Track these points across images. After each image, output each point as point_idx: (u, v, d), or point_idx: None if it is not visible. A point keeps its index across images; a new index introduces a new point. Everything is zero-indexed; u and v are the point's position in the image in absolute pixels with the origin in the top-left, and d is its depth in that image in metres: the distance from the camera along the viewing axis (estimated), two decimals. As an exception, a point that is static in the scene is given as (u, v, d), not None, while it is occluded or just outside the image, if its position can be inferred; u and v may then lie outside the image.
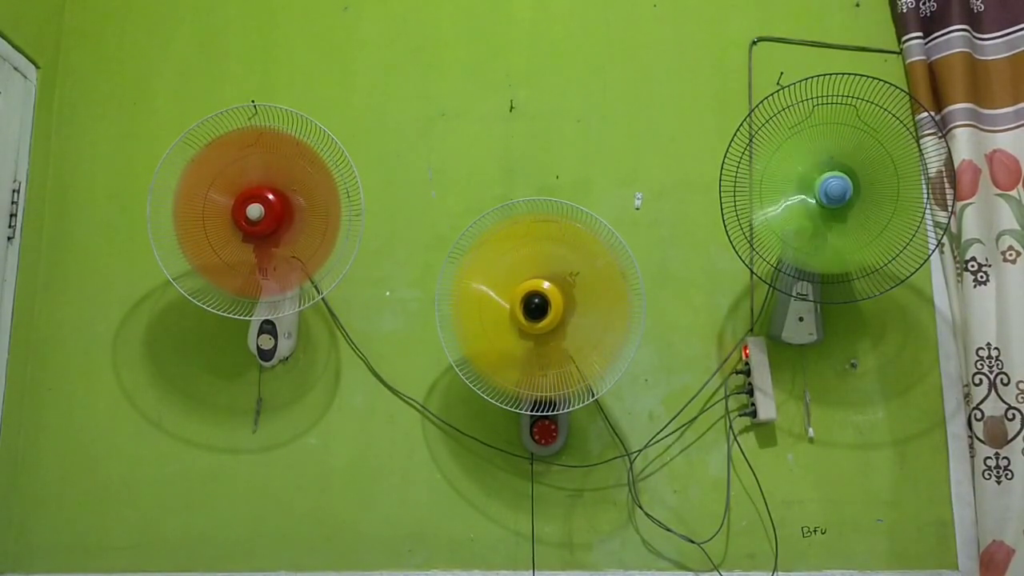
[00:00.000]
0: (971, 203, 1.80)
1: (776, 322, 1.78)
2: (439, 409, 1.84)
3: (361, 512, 1.80)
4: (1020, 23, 1.86)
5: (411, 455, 1.82)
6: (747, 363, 1.79)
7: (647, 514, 1.78)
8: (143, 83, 1.98)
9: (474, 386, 1.61)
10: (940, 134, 1.82)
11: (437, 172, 1.94)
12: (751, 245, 1.67)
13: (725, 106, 1.94)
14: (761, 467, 1.79)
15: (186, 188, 1.64)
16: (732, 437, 1.81)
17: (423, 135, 1.96)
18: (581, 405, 1.61)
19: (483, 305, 1.61)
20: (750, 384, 1.78)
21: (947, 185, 1.81)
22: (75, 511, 1.80)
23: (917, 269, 1.60)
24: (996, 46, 1.87)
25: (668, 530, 1.77)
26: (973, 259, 1.78)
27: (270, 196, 1.62)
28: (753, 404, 1.77)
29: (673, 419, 1.82)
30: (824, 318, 1.78)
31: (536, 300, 1.55)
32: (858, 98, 1.58)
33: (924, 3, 1.90)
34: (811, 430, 1.81)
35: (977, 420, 1.74)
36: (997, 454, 1.71)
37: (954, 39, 1.86)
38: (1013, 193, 1.80)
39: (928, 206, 1.62)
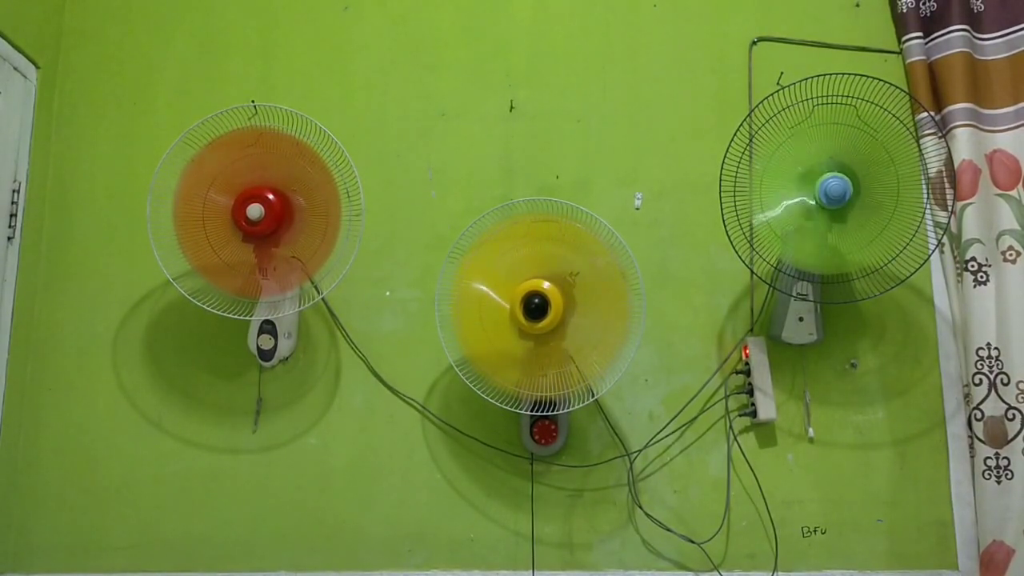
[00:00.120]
0: (971, 203, 1.80)
1: (776, 322, 1.78)
2: (439, 409, 1.84)
3: (361, 512, 1.80)
4: (1020, 23, 1.86)
5: (411, 455, 1.82)
6: (747, 363, 1.79)
7: (647, 514, 1.78)
8: (143, 83, 1.98)
9: (474, 386, 1.61)
10: (940, 134, 1.82)
11: (437, 172, 1.94)
12: (751, 245, 1.67)
13: (725, 106, 1.94)
14: (761, 467, 1.79)
15: (186, 188, 1.64)
16: (732, 437, 1.81)
17: (423, 135, 1.96)
18: (581, 405, 1.61)
19: (483, 305, 1.61)
20: (750, 384, 1.78)
21: (947, 185, 1.81)
22: (75, 511, 1.80)
23: (917, 269, 1.60)
24: (996, 46, 1.87)
25: (668, 530, 1.77)
26: (973, 259, 1.78)
27: (270, 196, 1.62)
28: (753, 404, 1.77)
29: (673, 419, 1.82)
30: (824, 318, 1.78)
31: (536, 300, 1.55)
32: (858, 98, 1.58)
33: (924, 3, 1.90)
34: (811, 430, 1.81)
35: (977, 420, 1.74)
36: (997, 454, 1.71)
37: (954, 39, 1.86)
38: (1013, 193, 1.80)
39: (928, 206, 1.62)
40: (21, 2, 1.86)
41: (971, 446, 1.76)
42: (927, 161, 1.78)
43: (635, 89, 1.97)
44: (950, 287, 1.84)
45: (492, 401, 1.60)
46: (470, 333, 1.61)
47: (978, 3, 1.88)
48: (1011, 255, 1.77)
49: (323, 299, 1.85)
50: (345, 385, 1.85)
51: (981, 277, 1.77)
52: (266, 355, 1.75)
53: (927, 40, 1.89)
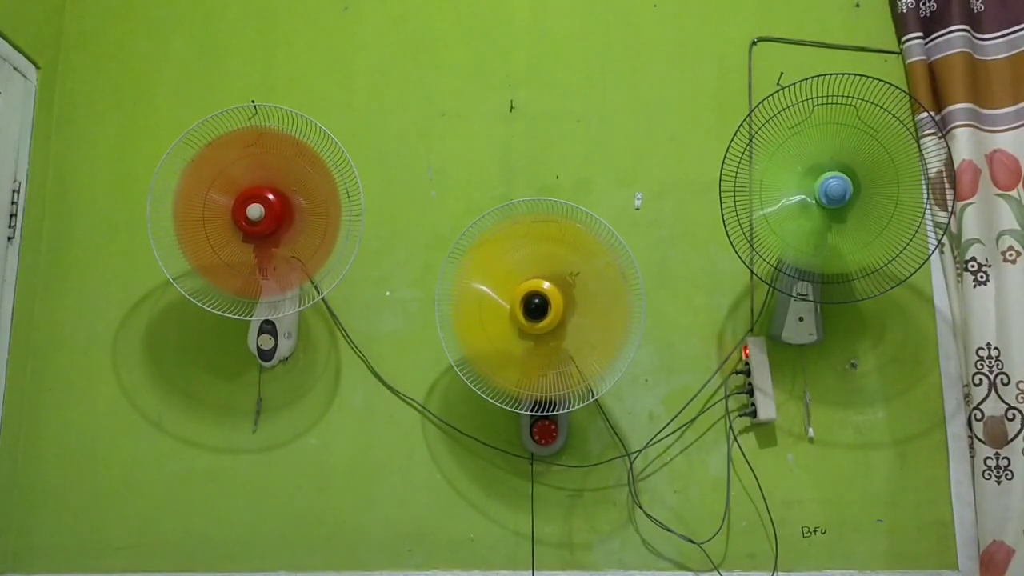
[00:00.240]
0: (971, 203, 1.80)
1: (776, 322, 1.78)
2: (439, 409, 1.84)
3: (361, 512, 1.80)
4: (1020, 23, 1.86)
5: (411, 455, 1.82)
6: (747, 363, 1.79)
7: (647, 514, 1.78)
8: (143, 83, 1.98)
9: (474, 386, 1.61)
10: (940, 134, 1.82)
11: (437, 172, 1.94)
12: (751, 245, 1.67)
13: (725, 106, 1.94)
14: (761, 467, 1.79)
15: (186, 188, 1.64)
16: (732, 437, 1.81)
17: (423, 135, 1.96)
18: (581, 405, 1.61)
19: (483, 305, 1.61)
20: (750, 384, 1.78)
21: (947, 185, 1.81)
22: (75, 511, 1.80)
23: (917, 269, 1.60)
24: (996, 46, 1.87)
25: (668, 530, 1.77)
26: (973, 259, 1.78)
27: (270, 196, 1.62)
28: (753, 404, 1.77)
29: (673, 419, 1.82)
30: (824, 318, 1.78)
31: (536, 300, 1.55)
32: (858, 98, 1.58)
33: (924, 3, 1.90)
34: (811, 430, 1.81)
35: (977, 420, 1.74)
36: (997, 454, 1.71)
37: (954, 39, 1.86)
38: (1013, 193, 1.80)
39: (928, 206, 1.62)
40: (21, 2, 1.86)
41: (971, 446, 1.76)
42: (927, 161, 1.78)
43: (635, 89, 1.97)
44: (950, 287, 1.84)
45: (492, 401, 1.60)
46: (470, 333, 1.61)
47: (978, 3, 1.88)
48: (1011, 255, 1.77)
49: (323, 299, 1.85)
50: (345, 385, 1.85)
51: (981, 277, 1.77)
52: (266, 355, 1.75)
53: (927, 40, 1.89)
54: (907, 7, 1.91)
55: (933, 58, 1.88)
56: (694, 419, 1.82)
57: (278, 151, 1.64)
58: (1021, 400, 1.71)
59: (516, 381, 1.59)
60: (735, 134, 1.65)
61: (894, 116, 1.57)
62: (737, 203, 1.63)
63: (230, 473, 1.81)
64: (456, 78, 1.98)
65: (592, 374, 1.59)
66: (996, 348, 1.74)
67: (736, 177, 1.63)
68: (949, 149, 1.80)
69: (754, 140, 1.64)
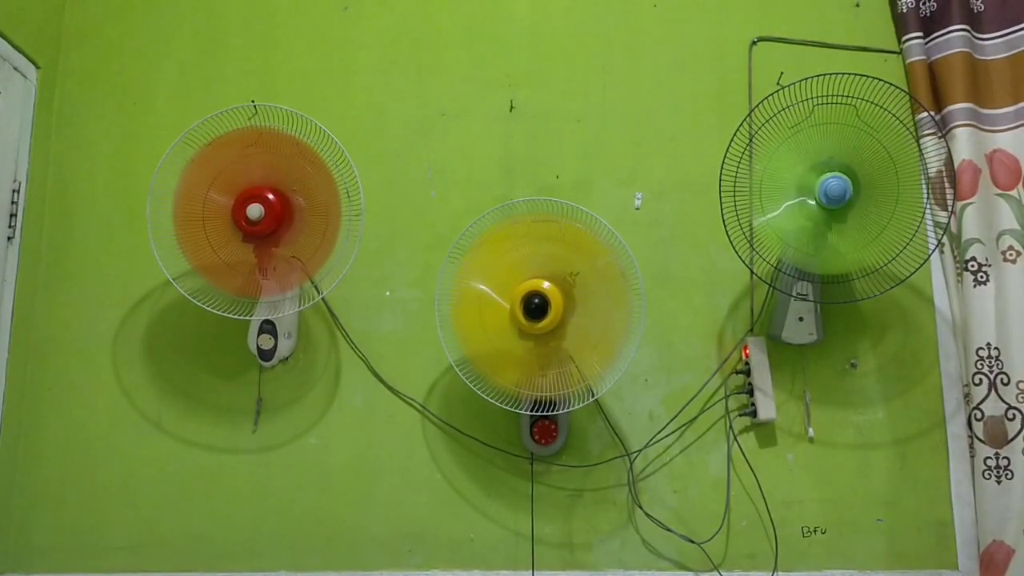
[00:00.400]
0: (971, 203, 1.80)
1: (776, 322, 1.78)
2: (439, 409, 1.84)
3: (361, 512, 1.80)
4: (1020, 23, 1.86)
5: (411, 455, 1.82)
6: (747, 363, 1.79)
7: (647, 514, 1.78)
8: (143, 83, 1.98)
9: (474, 386, 1.61)
10: (940, 134, 1.82)
11: (437, 172, 1.94)
12: (751, 245, 1.67)
13: (725, 106, 1.94)
14: (761, 467, 1.79)
15: (186, 188, 1.64)
16: (732, 437, 1.81)
17: (423, 135, 1.96)
18: (581, 405, 1.61)
19: (483, 305, 1.61)
20: (750, 384, 1.78)
21: (947, 185, 1.81)
22: (75, 511, 1.80)
23: (917, 269, 1.60)
24: (996, 46, 1.87)
25: (668, 530, 1.77)
26: (973, 259, 1.78)
27: (270, 196, 1.62)
28: (753, 404, 1.77)
29: (673, 419, 1.82)
30: (824, 318, 1.78)
31: (536, 300, 1.55)
32: (858, 98, 1.58)
33: (924, 3, 1.90)
34: (811, 430, 1.81)
35: (977, 420, 1.74)
36: (997, 454, 1.71)
37: (954, 39, 1.86)
38: (1013, 193, 1.80)
39: (928, 206, 1.62)
40: (21, 2, 1.86)
41: (971, 446, 1.76)
42: (927, 161, 1.78)
43: (635, 89, 1.97)
44: (950, 287, 1.84)
45: (492, 401, 1.60)
46: (470, 333, 1.61)
47: (978, 3, 1.88)
48: (1011, 255, 1.77)
49: (323, 299, 1.85)
50: (345, 385, 1.85)
51: (981, 277, 1.77)
52: (266, 355, 1.75)
53: (927, 40, 1.89)
54: (907, 7, 1.91)
55: (933, 58, 1.88)
56: (694, 419, 1.82)
57: (278, 151, 1.64)
58: (1021, 400, 1.71)
59: (516, 381, 1.59)
60: (735, 134, 1.65)
61: (894, 116, 1.57)
62: (737, 203, 1.63)
63: (230, 473, 1.81)
64: (456, 78, 1.98)
65: (592, 374, 1.59)
66: (996, 348, 1.74)
67: (736, 177, 1.63)
68: (949, 149, 1.80)
69: (754, 140, 1.64)
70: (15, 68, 1.83)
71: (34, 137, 1.88)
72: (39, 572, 1.78)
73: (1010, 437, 1.71)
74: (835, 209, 1.59)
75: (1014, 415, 1.71)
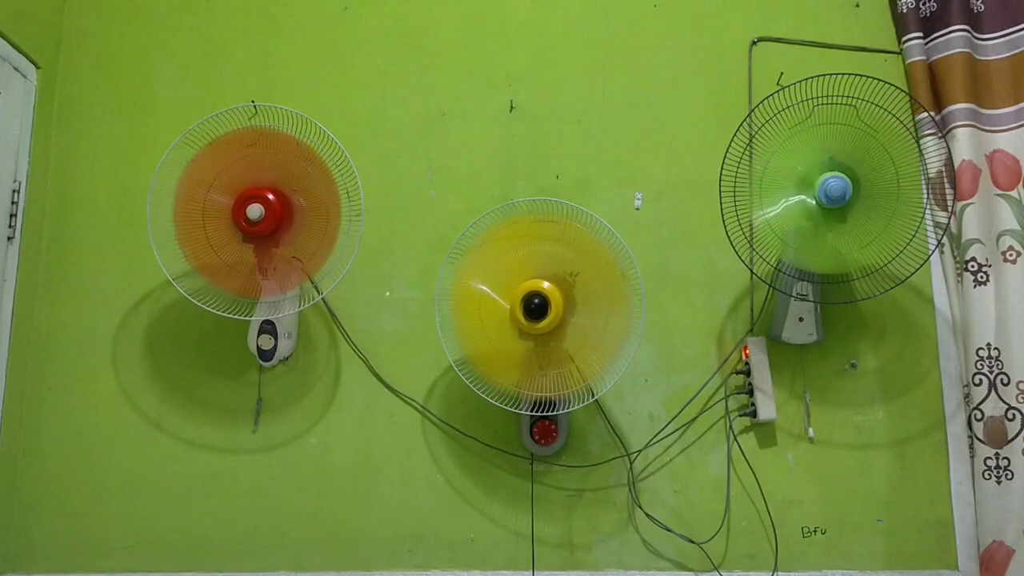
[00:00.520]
0: (971, 203, 1.80)
1: (776, 322, 1.79)
2: (439, 409, 1.84)
3: (361, 512, 1.80)
4: (1020, 23, 1.86)
5: (411, 455, 1.82)
6: (747, 363, 1.79)
7: (647, 514, 1.78)
8: (143, 83, 1.98)
9: (474, 386, 1.61)
10: (940, 134, 1.82)
11: (437, 172, 1.94)
12: (751, 245, 1.67)
13: (725, 106, 1.94)
14: (761, 467, 1.79)
15: (186, 188, 1.64)
16: (732, 437, 1.81)
17: (423, 135, 1.96)
18: (581, 405, 1.61)
19: (483, 305, 1.61)
20: (750, 384, 1.78)
21: (947, 185, 1.81)
22: (75, 511, 1.80)
23: (917, 269, 1.60)
24: (996, 46, 1.87)
25: (668, 530, 1.77)
26: (973, 259, 1.78)
27: (270, 196, 1.62)
28: (753, 404, 1.77)
29: (673, 419, 1.82)
30: (824, 318, 1.78)
31: (536, 300, 1.55)
32: (858, 98, 1.58)
33: (924, 3, 1.90)
34: (811, 430, 1.81)
35: (977, 420, 1.74)
36: (997, 454, 1.71)
37: (954, 39, 1.86)
38: (1013, 193, 1.80)
39: (928, 206, 1.62)
40: (21, 2, 1.86)
41: (971, 446, 1.76)
42: (927, 161, 1.79)
43: (635, 89, 1.97)
44: (950, 287, 1.84)
45: (492, 401, 1.60)
46: (470, 333, 1.61)
47: (978, 3, 1.88)
48: (1011, 255, 1.77)
49: (323, 299, 1.85)
50: (345, 385, 1.85)
51: (981, 277, 1.77)
52: (266, 355, 1.75)
53: (927, 40, 1.89)
54: (907, 7, 1.91)
55: (933, 58, 1.88)
56: (694, 419, 1.82)
57: (278, 151, 1.64)
58: (1021, 400, 1.71)
59: (516, 381, 1.59)
60: (735, 134, 1.65)
61: (894, 116, 1.57)
62: (737, 203, 1.63)
63: (230, 473, 1.81)
64: (456, 78, 1.98)
65: (592, 374, 1.59)
66: (996, 348, 1.74)
67: (736, 177, 1.63)
68: (949, 149, 1.80)
69: (754, 140, 1.64)
70: (15, 68, 1.83)
71: (34, 137, 1.88)
72: (39, 572, 1.78)
73: (1010, 437, 1.71)
74: (835, 209, 1.59)
75: (1014, 415, 1.71)
